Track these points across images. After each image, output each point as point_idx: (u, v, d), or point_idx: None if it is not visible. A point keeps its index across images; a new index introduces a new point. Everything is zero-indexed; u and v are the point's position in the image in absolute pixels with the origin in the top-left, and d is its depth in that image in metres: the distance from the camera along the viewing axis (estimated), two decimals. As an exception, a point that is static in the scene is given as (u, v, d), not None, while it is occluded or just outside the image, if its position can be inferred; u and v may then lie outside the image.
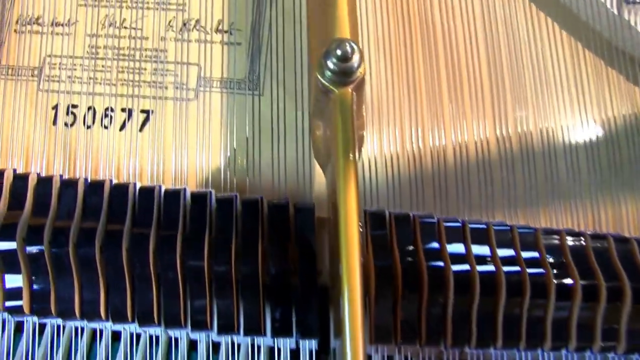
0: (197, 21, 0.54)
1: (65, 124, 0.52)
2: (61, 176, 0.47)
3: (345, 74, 0.40)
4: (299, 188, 0.50)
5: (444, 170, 0.52)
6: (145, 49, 0.54)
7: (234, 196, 0.46)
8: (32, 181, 0.47)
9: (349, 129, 0.41)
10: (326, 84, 0.41)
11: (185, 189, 0.46)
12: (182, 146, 0.51)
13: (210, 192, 0.46)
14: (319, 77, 0.41)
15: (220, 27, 0.54)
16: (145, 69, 0.53)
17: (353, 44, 0.39)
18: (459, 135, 0.52)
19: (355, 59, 0.39)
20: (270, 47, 0.54)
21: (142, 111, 0.52)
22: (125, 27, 0.55)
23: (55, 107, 0.53)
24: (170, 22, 0.54)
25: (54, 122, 0.52)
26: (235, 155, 0.51)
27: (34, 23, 0.55)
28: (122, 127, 0.52)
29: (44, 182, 0.46)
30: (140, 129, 0.52)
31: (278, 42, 0.54)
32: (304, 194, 0.50)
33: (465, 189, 0.51)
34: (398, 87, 0.54)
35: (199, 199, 0.46)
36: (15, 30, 0.55)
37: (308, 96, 0.52)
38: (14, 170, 0.48)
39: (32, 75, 0.54)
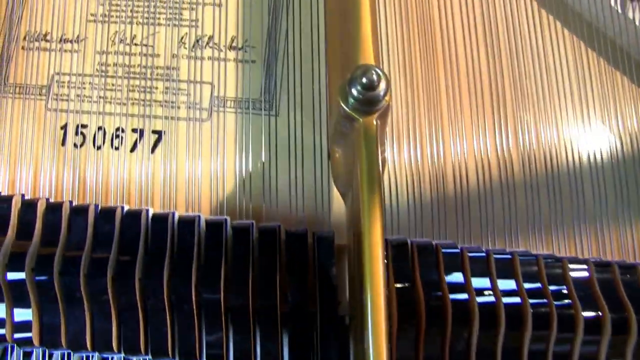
0: (210, 38, 0.53)
1: (75, 145, 0.51)
2: (71, 202, 0.45)
3: (370, 103, 0.38)
4: (316, 213, 0.48)
5: (466, 193, 0.50)
6: (157, 67, 0.52)
7: (251, 224, 0.44)
8: (41, 208, 0.45)
9: (374, 160, 0.39)
10: (350, 112, 0.39)
11: (199, 217, 0.45)
12: (196, 169, 0.49)
13: (226, 220, 0.44)
14: (342, 104, 0.39)
15: (234, 44, 0.53)
16: (156, 88, 0.52)
17: (379, 71, 0.37)
18: (482, 156, 0.50)
19: (382, 87, 0.38)
20: (286, 65, 0.52)
21: (154, 132, 0.51)
22: (136, 44, 0.53)
23: (64, 127, 0.51)
24: (182, 38, 0.53)
25: (63, 143, 0.51)
26: (251, 179, 0.49)
27: (42, 39, 0.53)
28: (133, 148, 0.50)
29: (54, 209, 0.45)
30: (152, 151, 0.50)
31: (295, 59, 0.52)
32: (322, 219, 0.48)
33: (488, 212, 0.49)
34: (418, 106, 0.52)
35: (214, 227, 0.44)
36: (22, 47, 0.53)
37: (327, 117, 0.50)
38: (22, 196, 0.46)
39: (40, 94, 0.52)
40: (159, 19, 0.53)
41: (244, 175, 0.49)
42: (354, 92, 0.38)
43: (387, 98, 0.39)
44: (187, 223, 0.44)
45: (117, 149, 0.50)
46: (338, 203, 0.48)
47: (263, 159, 0.49)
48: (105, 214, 0.45)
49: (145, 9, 0.53)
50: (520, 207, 0.49)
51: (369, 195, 0.38)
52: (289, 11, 0.53)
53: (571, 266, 0.44)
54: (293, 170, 0.49)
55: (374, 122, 0.39)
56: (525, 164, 0.50)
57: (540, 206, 0.49)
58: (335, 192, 0.48)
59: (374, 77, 0.37)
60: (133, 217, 0.44)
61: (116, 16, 0.54)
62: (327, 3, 0.49)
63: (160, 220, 0.44)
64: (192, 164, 0.49)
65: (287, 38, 0.52)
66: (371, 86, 0.37)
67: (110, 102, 0.51)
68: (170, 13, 0.53)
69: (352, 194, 0.42)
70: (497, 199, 0.49)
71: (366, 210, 0.38)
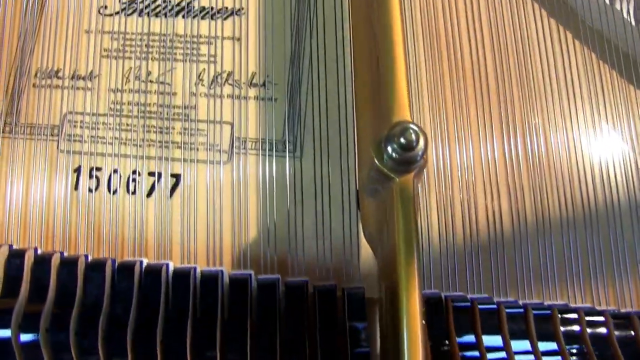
0: (230, 74, 0.50)
1: (89, 189, 0.48)
2: (86, 257, 0.43)
3: (408, 163, 0.35)
4: (345, 264, 0.46)
5: (500, 240, 0.47)
6: (174, 106, 0.50)
7: (277, 280, 0.42)
8: (55, 263, 0.42)
9: (411, 220, 0.37)
10: (385, 171, 0.36)
11: (222, 272, 0.42)
12: (216, 215, 0.47)
13: (250, 276, 0.42)
14: (376, 162, 0.36)
15: (254, 81, 0.50)
16: (174, 128, 0.49)
17: (418, 130, 0.35)
18: (517, 202, 0.48)
19: (420, 146, 0.35)
20: (310, 103, 0.49)
21: (172, 175, 0.48)
22: (152, 81, 0.50)
23: (77, 170, 0.49)
24: (200, 75, 0.50)
25: (76, 187, 0.48)
26: (275, 227, 0.46)
27: (53, 76, 0.50)
28: (150, 192, 0.48)
29: (68, 265, 0.42)
30: (170, 195, 0.48)
31: (320, 97, 0.49)
32: (351, 269, 0.46)
33: (524, 261, 0.47)
34: (448, 160, 0.49)
35: (238, 283, 0.42)
36: (34, 85, 0.51)
37: (355, 160, 0.47)
38: (35, 250, 0.43)
39: (52, 134, 0.49)
40: (175, 54, 0.51)
41: (267, 222, 0.47)
42: (391, 151, 0.35)
43: (425, 157, 0.36)
44: (210, 279, 0.42)
45: (133, 193, 0.48)
46: (367, 251, 0.46)
47: (288, 205, 0.46)
48: (123, 270, 0.42)
49: (161, 44, 0.51)
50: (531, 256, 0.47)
51: (406, 258, 0.36)
52: (312, 46, 0.50)
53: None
54: (320, 216, 0.46)
55: (411, 182, 0.36)
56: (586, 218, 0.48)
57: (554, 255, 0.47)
58: (365, 240, 0.46)
59: (413, 137, 0.35)
60: (153, 273, 0.42)
61: (130, 51, 0.51)
62: (355, 47, 0.46)
63: (181, 276, 0.42)
64: (212, 210, 0.47)
65: (310, 74, 0.50)
66: (410, 146, 0.35)
67: (126, 144, 0.49)
68: (187, 48, 0.50)
69: (384, 250, 0.39)
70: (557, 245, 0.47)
71: (403, 275, 0.36)
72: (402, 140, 0.35)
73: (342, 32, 0.51)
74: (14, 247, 0.45)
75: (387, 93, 0.38)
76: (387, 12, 0.40)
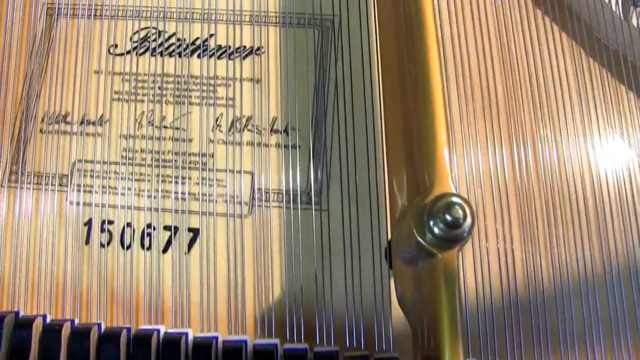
0: (249, 119, 0.46)
1: (101, 244, 0.45)
2: (99, 326, 0.40)
3: (454, 241, 0.32)
4: (376, 326, 0.42)
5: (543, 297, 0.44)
6: (190, 154, 0.46)
7: (305, 351, 0.39)
8: (65, 333, 0.39)
9: (455, 297, 0.33)
10: (427, 247, 0.33)
11: (246, 342, 0.39)
12: (238, 273, 0.44)
13: (276, 347, 0.39)
14: (418, 238, 0.33)
15: (275, 127, 0.46)
16: (190, 178, 0.46)
17: (464, 205, 0.32)
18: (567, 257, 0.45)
19: (468, 223, 0.32)
20: (336, 151, 0.46)
21: (189, 229, 0.45)
22: (166, 127, 0.47)
23: (88, 223, 0.45)
24: (218, 120, 0.47)
25: (87, 241, 0.45)
26: (301, 286, 0.43)
27: (61, 121, 0.47)
28: (166, 248, 0.45)
29: (80, 335, 0.39)
30: (187, 251, 0.44)
31: (348, 143, 0.46)
32: (382, 332, 0.42)
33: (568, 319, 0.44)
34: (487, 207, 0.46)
35: (263, 354, 0.38)
36: (41, 130, 0.47)
37: (385, 212, 0.44)
38: (44, 318, 0.40)
39: (61, 184, 0.46)
40: (190, 97, 0.47)
41: (292, 281, 0.43)
42: (435, 228, 0.32)
43: (471, 231, 0.33)
44: (233, 351, 0.39)
45: (148, 248, 0.45)
46: (399, 312, 0.43)
47: (314, 262, 0.43)
48: (139, 341, 0.39)
49: (176, 86, 0.47)
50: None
51: (450, 338, 0.33)
52: (338, 88, 0.47)
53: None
54: (349, 274, 0.43)
55: (455, 258, 0.33)
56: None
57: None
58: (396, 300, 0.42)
59: (460, 214, 0.31)
60: (171, 344, 0.39)
61: (143, 94, 0.48)
62: (386, 94, 0.43)
63: (202, 347, 0.39)
64: (233, 267, 0.44)
65: (336, 117, 0.46)
66: (456, 224, 0.31)
67: (139, 195, 0.46)
68: (203, 90, 0.47)
69: (421, 319, 0.36)
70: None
71: (447, 354, 0.33)
72: (447, 217, 0.32)
73: (371, 73, 0.47)
74: (21, 312, 0.42)
75: (426, 158, 0.35)
76: (424, 64, 0.37)
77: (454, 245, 0.33)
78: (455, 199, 0.32)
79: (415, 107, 0.36)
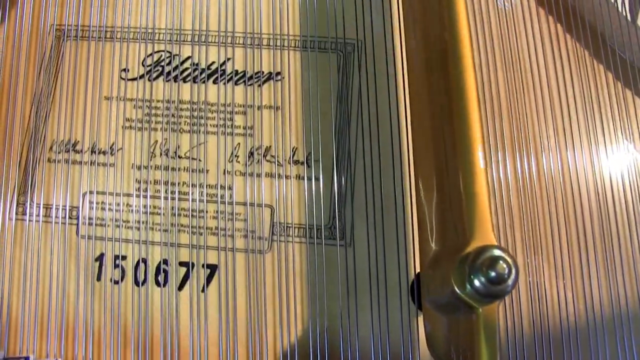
0: (268, 149, 0.44)
1: (113, 281, 0.43)
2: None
3: (496, 296, 0.30)
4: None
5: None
6: (207, 186, 0.44)
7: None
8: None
9: (495, 352, 0.31)
10: (467, 300, 0.31)
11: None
12: (258, 311, 0.41)
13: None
14: (457, 291, 0.31)
15: (296, 157, 0.44)
16: (207, 212, 0.44)
17: (510, 261, 0.29)
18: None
19: (512, 278, 0.30)
20: (362, 183, 0.44)
21: (206, 266, 0.43)
22: (181, 157, 0.45)
23: (100, 259, 0.43)
24: (235, 150, 0.44)
25: (99, 278, 0.43)
26: (325, 325, 0.41)
27: (70, 150, 0.45)
28: (182, 285, 0.43)
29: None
30: (204, 289, 0.42)
31: (374, 175, 0.44)
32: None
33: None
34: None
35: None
36: (49, 159, 0.45)
37: (413, 249, 0.42)
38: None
39: (70, 217, 0.44)
40: (206, 125, 0.45)
41: (316, 319, 0.41)
42: (477, 283, 0.30)
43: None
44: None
45: (163, 285, 0.43)
46: (427, 353, 0.41)
47: (339, 300, 0.41)
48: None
49: (191, 113, 0.45)
50: None
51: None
52: (361, 116, 0.45)
53: None
54: (376, 312, 0.41)
55: (496, 312, 0.31)
56: None
57: None
58: (424, 339, 0.40)
59: (505, 270, 0.29)
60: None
61: (156, 122, 0.45)
62: (414, 122, 0.41)
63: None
64: (254, 305, 0.42)
65: (360, 148, 0.44)
66: (501, 280, 0.29)
67: (153, 229, 0.43)
68: (220, 118, 0.45)
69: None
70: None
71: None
72: (491, 273, 0.30)
73: (397, 100, 0.45)
74: (30, 356, 0.40)
75: (465, 204, 0.33)
76: (461, 98, 0.35)
77: (495, 300, 0.31)
78: (499, 253, 0.30)
79: (452, 148, 0.34)
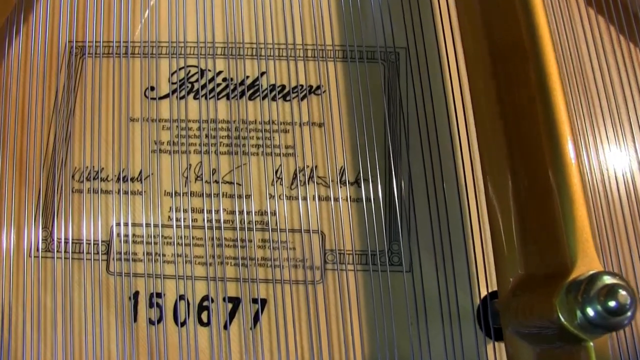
0: (313, 170, 0.40)
1: (150, 321, 0.38)
2: None
3: (612, 328, 0.27)
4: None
5: None
6: (249, 212, 0.40)
7: None
8: None
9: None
10: (575, 331, 0.27)
11: None
12: (313, 347, 0.38)
13: None
14: (564, 321, 0.27)
15: (344, 178, 0.41)
16: (250, 241, 0.40)
17: (629, 289, 0.26)
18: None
19: (633, 309, 0.26)
20: (419, 201, 0.40)
21: (254, 301, 0.39)
22: (217, 182, 0.41)
23: (134, 297, 0.39)
24: (278, 172, 0.41)
25: (135, 318, 0.39)
26: (387, 358, 0.37)
27: (95, 178, 0.41)
28: (228, 323, 0.38)
29: None
30: (253, 326, 0.38)
31: (430, 192, 0.40)
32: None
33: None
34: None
35: None
36: (73, 190, 0.41)
37: (477, 274, 0.38)
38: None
39: (99, 252, 0.40)
40: (244, 146, 0.41)
41: (377, 352, 0.38)
42: (592, 313, 0.26)
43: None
44: None
45: (206, 325, 0.39)
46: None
47: (400, 331, 0.37)
48: None
49: (227, 133, 0.41)
50: None
51: None
52: (413, 129, 0.41)
53: None
54: (439, 341, 0.38)
55: (608, 344, 0.28)
56: None
57: None
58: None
59: (627, 300, 0.26)
60: None
61: (189, 144, 0.41)
62: (484, 141, 0.37)
63: None
64: (307, 341, 0.38)
65: (414, 164, 0.41)
66: (622, 311, 0.26)
67: (192, 262, 0.39)
68: (258, 138, 0.41)
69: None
70: None
71: None
72: (611, 304, 0.26)
73: (448, 109, 0.41)
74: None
75: (560, 220, 0.29)
76: (549, 100, 0.31)
77: (609, 332, 0.27)
78: (616, 281, 0.26)
79: (536, 146, 0.30)
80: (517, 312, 0.34)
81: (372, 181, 0.41)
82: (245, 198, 0.41)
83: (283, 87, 0.43)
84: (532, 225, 0.32)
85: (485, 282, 0.38)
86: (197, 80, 0.43)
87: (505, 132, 0.34)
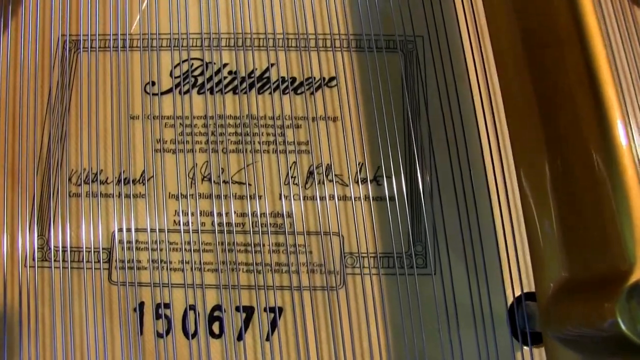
0: (329, 167, 0.38)
1: (157, 334, 0.35)
2: None
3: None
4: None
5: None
6: (262, 214, 0.37)
7: None
8: None
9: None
10: (637, 340, 0.25)
11: None
12: (335, 358, 0.35)
13: None
14: (624, 329, 0.25)
15: (362, 175, 0.38)
16: (264, 245, 0.37)
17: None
18: None
19: None
20: (445, 198, 0.37)
21: (269, 309, 0.36)
22: (226, 182, 0.38)
23: (139, 309, 0.36)
24: (291, 170, 0.38)
25: (141, 331, 0.35)
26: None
27: (93, 181, 0.38)
28: (241, 335, 0.36)
29: None
30: (267, 337, 0.35)
31: (456, 191, 0.37)
32: None
33: None
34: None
35: None
36: (70, 194, 0.38)
37: (507, 278, 0.36)
38: None
39: (104, 261, 0.37)
40: (253, 143, 0.38)
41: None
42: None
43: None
44: None
45: (218, 336, 0.36)
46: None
47: (426, 337, 0.34)
48: None
49: (236, 129, 0.38)
50: None
51: None
52: (435, 122, 0.38)
53: None
54: (467, 347, 0.35)
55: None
56: None
57: None
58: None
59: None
60: None
61: (194, 142, 0.38)
62: (517, 132, 0.34)
63: None
64: (327, 351, 0.35)
65: (438, 158, 0.38)
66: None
67: (200, 269, 0.36)
68: (269, 134, 0.38)
69: None
70: None
71: None
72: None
73: (473, 99, 0.39)
74: None
75: (614, 213, 0.26)
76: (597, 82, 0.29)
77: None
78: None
79: (580, 132, 0.27)
80: (561, 318, 0.31)
81: (393, 178, 0.38)
82: (257, 199, 0.38)
83: (294, 79, 0.40)
84: (577, 223, 0.29)
85: (520, 284, 0.35)
86: (201, 74, 0.40)
87: (542, 121, 0.32)
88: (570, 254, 0.30)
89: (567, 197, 0.30)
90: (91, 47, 0.40)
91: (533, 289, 0.35)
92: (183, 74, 0.40)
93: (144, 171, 0.39)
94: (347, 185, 0.38)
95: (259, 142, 0.39)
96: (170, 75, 0.40)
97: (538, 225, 0.32)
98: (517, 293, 0.36)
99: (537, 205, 0.32)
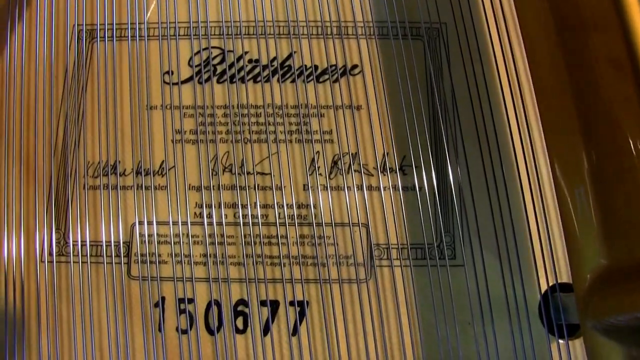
0: (354, 157, 0.36)
1: (179, 330, 0.34)
2: None
3: None
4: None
5: None
6: (286, 205, 0.36)
7: None
8: None
9: None
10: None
11: None
12: (360, 352, 0.33)
13: None
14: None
15: (388, 165, 0.37)
16: (288, 237, 0.35)
17: None
18: None
19: None
20: (475, 187, 0.36)
21: (295, 303, 0.35)
22: (250, 172, 0.36)
23: (160, 304, 0.35)
24: (315, 160, 0.36)
25: (160, 328, 0.34)
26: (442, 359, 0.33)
27: (111, 173, 0.36)
28: (266, 330, 0.34)
29: None
30: (294, 332, 0.34)
31: (481, 180, 0.36)
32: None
33: None
34: None
35: None
36: (88, 186, 0.37)
37: (536, 265, 0.35)
38: None
39: (123, 255, 0.35)
40: (275, 132, 0.37)
41: (431, 353, 0.33)
42: None
43: None
44: None
45: (242, 332, 0.34)
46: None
47: (456, 329, 0.33)
48: None
49: (257, 119, 0.37)
50: None
51: None
52: (459, 108, 0.37)
53: None
54: (499, 339, 0.34)
55: None
56: None
57: None
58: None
59: None
60: None
61: (213, 132, 0.37)
62: (548, 113, 0.33)
63: None
64: (354, 345, 0.34)
65: (466, 146, 0.37)
66: None
67: (223, 263, 0.35)
68: (291, 124, 0.37)
69: None
70: None
71: None
72: None
73: (501, 84, 0.38)
74: None
75: None
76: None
77: None
78: None
79: (624, 128, 0.26)
80: (601, 308, 0.30)
81: (422, 167, 0.37)
82: (280, 190, 0.36)
83: (316, 67, 0.39)
84: (617, 210, 0.28)
85: (554, 274, 0.34)
86: (221, 62, 0.39)
87: (578, 107, 0.30)
88: (610, 242, 0.29)
89: (605, 184, 0.29)
90: (108, 37, 0.39)
91: (564, 280, 0.34)
92: (204, 62, 0.39)
93: (163, 162, 0.37)
94: (372, 175, 0.37)
95: (282, 132, 0.37)
96: (189, 64, 0.39)
97: (574, 214, 0.31)
98: (551, 284, 0.34)
99: (572, 194, 0.31)
